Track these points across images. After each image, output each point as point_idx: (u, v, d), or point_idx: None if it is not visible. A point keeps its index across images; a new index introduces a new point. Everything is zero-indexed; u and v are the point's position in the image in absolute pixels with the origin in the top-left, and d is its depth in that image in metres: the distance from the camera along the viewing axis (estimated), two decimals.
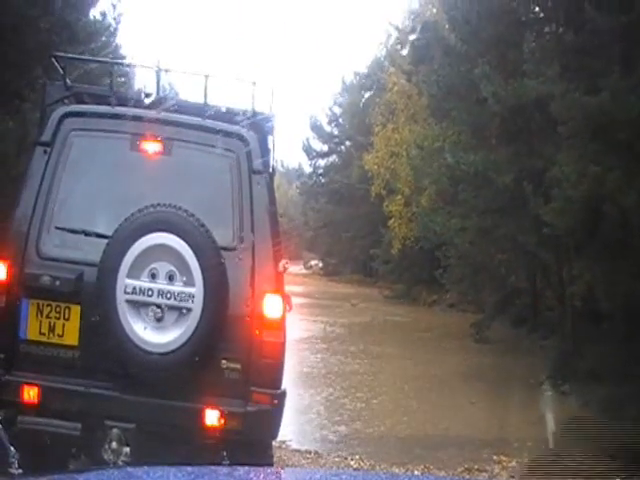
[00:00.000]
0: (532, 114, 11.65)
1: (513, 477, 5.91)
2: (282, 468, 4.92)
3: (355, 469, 5.83)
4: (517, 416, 8.41)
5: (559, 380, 9.91)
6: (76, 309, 3.50)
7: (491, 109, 11.57)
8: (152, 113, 3.84)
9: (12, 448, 2.27)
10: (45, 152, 3.69)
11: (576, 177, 8.75)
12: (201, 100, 3.95)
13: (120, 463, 3.32)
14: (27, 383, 3.43)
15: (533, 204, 10.05)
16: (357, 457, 6.42)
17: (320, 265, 42.21)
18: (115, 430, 3.38)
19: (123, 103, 3.97)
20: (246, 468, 1.70)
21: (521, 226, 11.40)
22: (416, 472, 5.77)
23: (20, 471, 2.54)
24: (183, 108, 4.04)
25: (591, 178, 8.55)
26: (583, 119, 8.87)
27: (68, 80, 4.04)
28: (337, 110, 39.10)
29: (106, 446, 3.38)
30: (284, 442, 6.44)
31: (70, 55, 4.76)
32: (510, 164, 11.70)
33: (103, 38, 13.56)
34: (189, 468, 1.57)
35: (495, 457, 6.50)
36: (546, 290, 14.56)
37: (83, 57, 6.27)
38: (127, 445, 3.38)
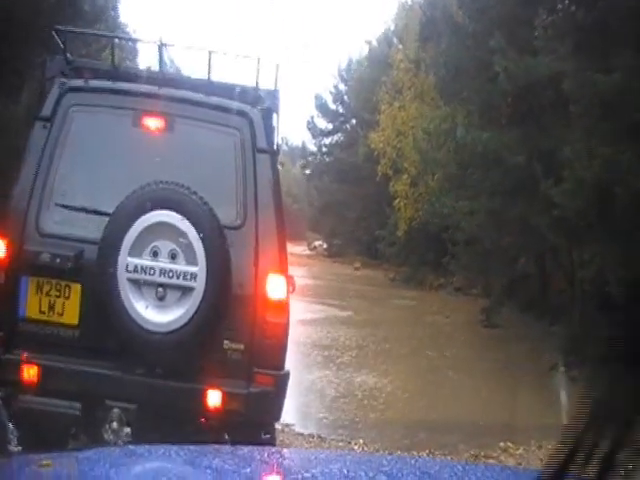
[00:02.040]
0: (543, 92, 11.46)
1: (520, 464, 5.82)
2: (286, 448, 4.88)
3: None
4: (525, 402, 8.32)
5: (568, 365, 9.83)
6: (76, 287, 3.44)
7: (501, 86, 11.37)
8: (154, 89, 3.76)
9: (11, 426, 2.23)
10: (45, 127, 3.62)
11: (587, 158, 8.62)
12: (204, 76, 3.87)
13: (121, 443, 3.28)
14: (27, 362, 3.38)
15: (544, 185, 9.92)
16: (361, 441, 6.36)
17: (324, 246, 41.93)
18: (116, 410, 3.34)
19: (125, 78, 3.89)
20: (249, 447, 1.65)
21: (531, 208, 11.25)
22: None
23: (19, 449, 2.49)
24: (186, 84, 3.96)
25: (602, 159, 8.42)
26: (595, 98, 8.72)
27: (69, 54, 3.96)
28: (342, 87, 38.64)
29: (107, 426, 3.33)
30: (287, 425, 6.40)
31: (70, 29, 4.66)
32: (520, 144, 11.53)
33: (107, 14, 13.42)
34: (191, 447, 1.52)
35: (502, 444, 6.38)
36: (555, 274, 14.45)
37: (84, 30, 6.15)
38: (128, 425, 3.34)
